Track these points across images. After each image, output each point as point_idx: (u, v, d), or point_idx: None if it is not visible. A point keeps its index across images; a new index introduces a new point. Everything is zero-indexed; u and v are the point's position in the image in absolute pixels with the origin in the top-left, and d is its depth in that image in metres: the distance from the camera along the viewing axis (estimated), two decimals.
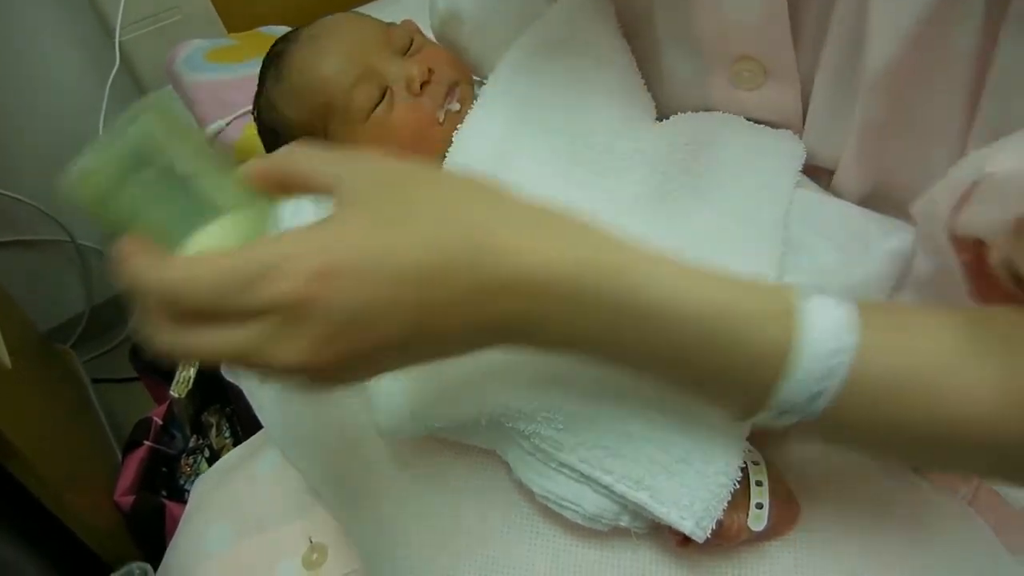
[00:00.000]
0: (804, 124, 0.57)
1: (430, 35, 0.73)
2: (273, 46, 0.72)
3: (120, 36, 1.49)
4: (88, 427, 1.61)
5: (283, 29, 1.57)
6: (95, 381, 1.82)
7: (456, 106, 0.64)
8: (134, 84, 1.64)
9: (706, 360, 0.38)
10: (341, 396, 0.60)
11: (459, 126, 0.60)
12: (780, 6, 0.50)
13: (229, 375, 0.67)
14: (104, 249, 1.92)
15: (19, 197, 1.62)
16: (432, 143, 0.62)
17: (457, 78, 0.66)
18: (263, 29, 1.57)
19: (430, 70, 0.64)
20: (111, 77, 1.45)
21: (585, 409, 0.48)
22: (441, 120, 0.64)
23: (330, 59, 0.65)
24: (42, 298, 1.88)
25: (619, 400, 0.47)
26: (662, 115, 0.63)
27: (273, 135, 0.70)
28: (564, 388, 0.48)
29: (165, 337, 0.36)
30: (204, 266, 0.35)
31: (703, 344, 0.37)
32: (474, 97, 0.66)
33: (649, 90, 0.63)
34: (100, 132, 1.42)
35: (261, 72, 0.72)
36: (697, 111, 0.60)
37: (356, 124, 0.64)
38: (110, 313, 2.00)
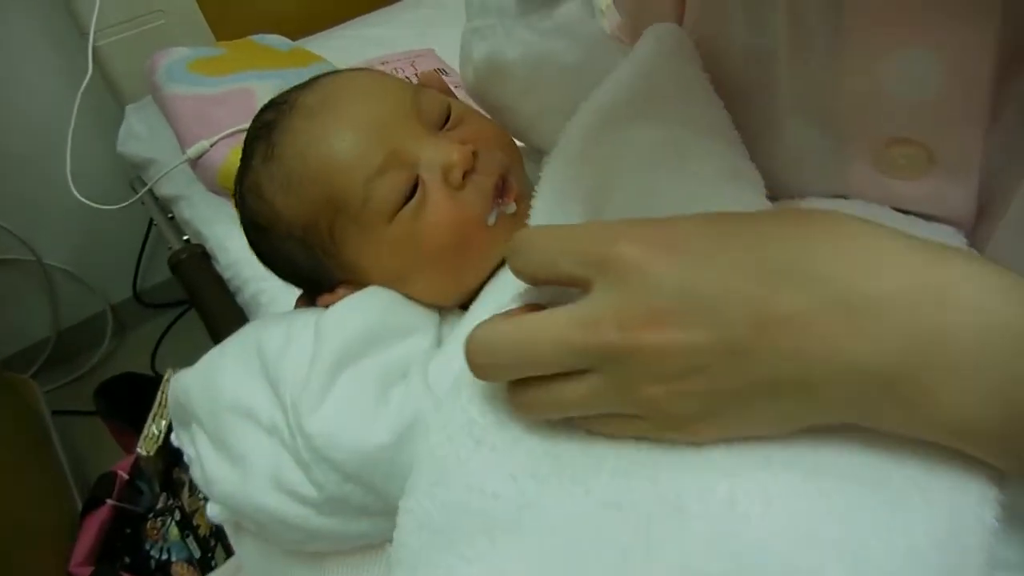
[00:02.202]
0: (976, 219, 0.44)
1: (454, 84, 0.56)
2: (262, 112, 0.51)
3: (95, 41, 1.35)
4: (44, 468, 1.46)
5: (278, 39, 1.43)
6: (56, 413, 1.67)
7: (512, 207, 0.47)
8: (109, 95, 1.49)
9: None
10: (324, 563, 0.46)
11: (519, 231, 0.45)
12: (971, 78, 0.37)
13: (175, 439, 0.51)
14: (73, 270, 1.77)
15: None
16: (479, 253, 0.46)
17: (509, 162, 0.48)
18: (255, 38, 1.44)
19: (475, 153, 0.46)
20: (83, 86, 1.30)
21: None
22: (491, 223, 0.46)
23: (342, 138, 0.46)
24: (2, 322, 1.72)
25: None
26: (773, 197, 0.49)
27: (258, 230, 0.50)
28: None
29: (533, 394, 0.35)
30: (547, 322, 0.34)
31: None
32: (530, 184, 0.48)
33: (759, 168, 0.49)
34: (69, 148, 1.27)
35: (247, 143, 0.51)
36: (822, 197, 0.47)
37: (375, 227, 0.46)
38: (78, 339, 1.86)
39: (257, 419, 0.43)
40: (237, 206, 0.52)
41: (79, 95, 1.30)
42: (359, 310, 0.45)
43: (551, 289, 0.38)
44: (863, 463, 0.34)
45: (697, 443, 0.35)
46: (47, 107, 1.47)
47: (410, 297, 0.47)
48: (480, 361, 0.35)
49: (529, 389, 0.35)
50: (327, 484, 0.40)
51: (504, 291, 0.43)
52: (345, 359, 0.42)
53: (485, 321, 0.36)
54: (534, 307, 0.38)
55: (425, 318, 0.46)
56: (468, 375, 0.39)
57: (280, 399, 0.42)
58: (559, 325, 0.33)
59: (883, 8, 0.39)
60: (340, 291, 0.48)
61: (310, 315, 0.46)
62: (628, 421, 0.35)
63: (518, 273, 0.36)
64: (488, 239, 0.46)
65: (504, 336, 0.34)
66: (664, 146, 0.46)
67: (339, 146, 0.46)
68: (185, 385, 0.47)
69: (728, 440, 0.35)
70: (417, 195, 0.45)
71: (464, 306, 0.47)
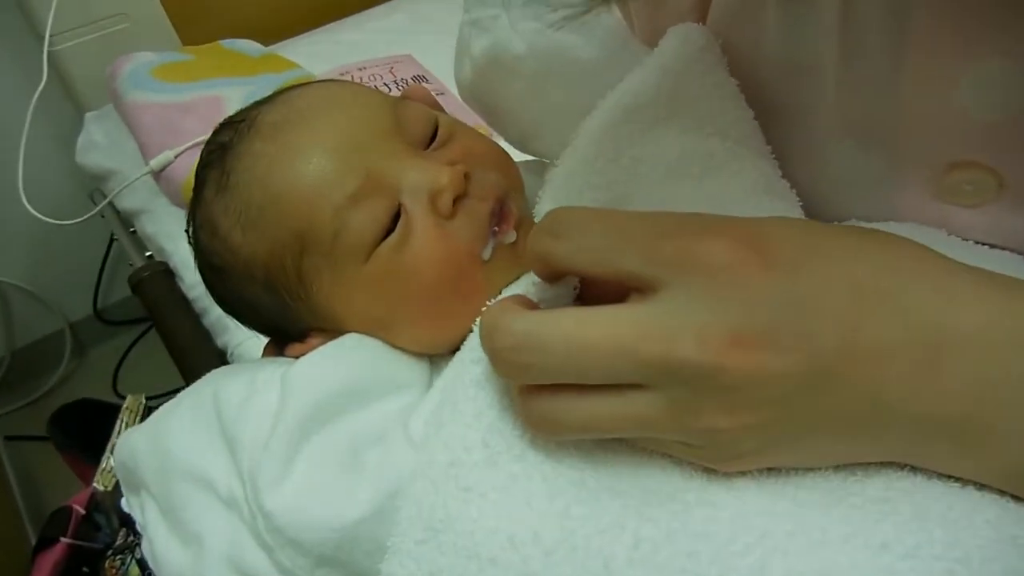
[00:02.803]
0: None
1: (446, 95, 0.50)
2: (216, 133, 0.44)
3: (51, 45, 1.27)
4: None
5: (249, 44, 1.36)
6: (9, 439, 1.58)
7: (512, 236, 0.39)
8: (66, 102, 1.41)
9: None
10: None
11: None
12: None
13: (124, 505, 0.43)
14: (28, 287, 1.67)
15: None
16: (474, 294, 0.38)
17: (506, 184, 0.41)
18: (224, 43, 1.37)
19: (466, 175, 0.39)
20: (37, 93, 1.22)
21: None
22: (487, 257, 0.39)
23: (308, 160, 0.39)
24: None
25: None
26: (811, 218, 0.44)
27: (214, 272, 0.43)
28: None
29: (567, 407, 0.30)
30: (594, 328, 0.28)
31: None
32: (531, 208, 0.42)
33: (793, 187, 0.44)
34: (21, 158, 1.19)
35: (198, 170, 0.43)
36: (866, 221, 0.42)
37: (350, 265, 0.39)
38: (33, 360, 1.76)
39: (214, 489, 0.37)
40: (190, 242, 0.45)
41: (33, 102, 1.22)
42: (333, 363, 0.38)
43: (554, 290, 0.32)
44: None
45: (728, 473, 0.31)
46: None
47: (395, 346, 0.40)
48: (526, 359, 0.29)
49: (561, 400, 0.29)
50: (295, 570, 0.34)
51: None
52: (314, 422, 0.36)
53: (521, 311, 0.30)
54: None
55: (413, 371, 0.39)
56: (447, 404, 0.33)
57: (237, 466, 0.36)
58: (622, 330, 0.28)
59: (957, 19, 0.34)
60: (312, 340, 0.41)
61: (277, 366, 0.39)
62: (668, 443, 0.30)
63: (557, 262, 0.30)
64: (484, 277, 0.39)
65: (559, 332, 0.28)
66: (690, 156, 0.41)
67: (304, 170, 0.38)
68: (132, 446, 0.40)
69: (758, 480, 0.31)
70: (399, 227, 0.38)
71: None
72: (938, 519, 0.29)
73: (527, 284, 0.33)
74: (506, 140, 0.50)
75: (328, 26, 1.58)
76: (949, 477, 0.30)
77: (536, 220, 0.36)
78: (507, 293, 0.35)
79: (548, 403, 0.30)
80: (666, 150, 0.41)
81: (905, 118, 0.38)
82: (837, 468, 0.31)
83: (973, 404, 0.27)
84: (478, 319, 0.33)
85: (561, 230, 0.30)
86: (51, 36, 1.27)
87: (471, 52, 0.46)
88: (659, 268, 0.28)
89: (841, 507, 0.30)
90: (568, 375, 0.29)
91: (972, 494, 0.30)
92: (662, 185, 0.41)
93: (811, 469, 0.31)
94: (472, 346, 0.35)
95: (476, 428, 0.33)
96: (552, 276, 0.32)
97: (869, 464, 0.31)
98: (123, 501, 0.43)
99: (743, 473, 0.31)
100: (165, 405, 0.41)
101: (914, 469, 0.31)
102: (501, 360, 0.30)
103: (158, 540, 0.38)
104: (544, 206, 0.39)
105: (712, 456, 0.30)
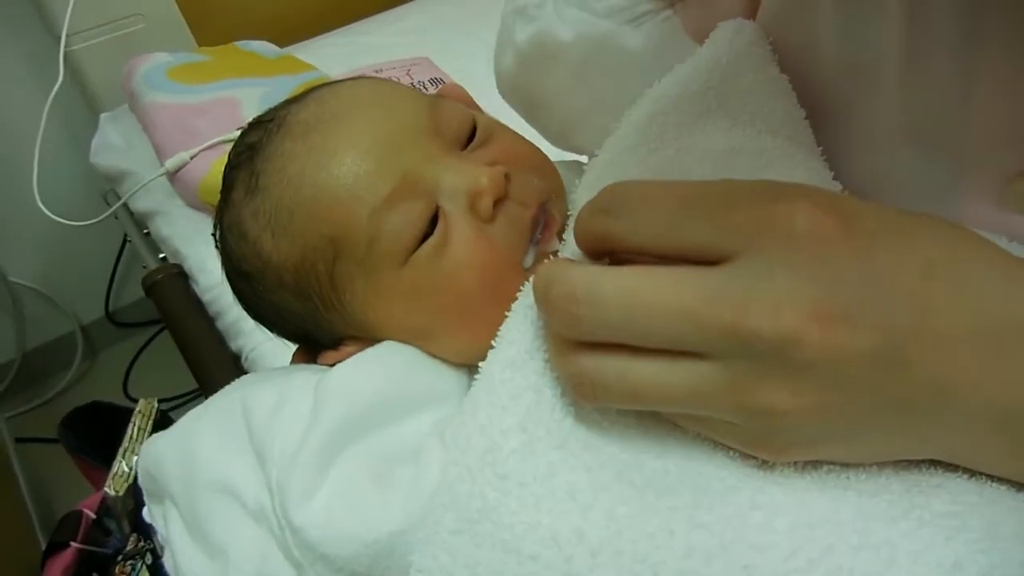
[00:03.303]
0: None
1: (484, 102, 0.48)
2: (244, 133, 0.42)
3: (67, 45, 1.26)
4: (5, 502, 1.35)
5: (264, 46, 1.35)
6: (19, 441, 1.57)
7: (555, 245, 0.38)
8: (82, 103, 1.40)
9: None
10: None
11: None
12: None
13: (147, 515, 0.42)
14: (40, 288, 1.67)
15: None
16: (513, 300, 0.36)
17: (548, 189, 0.39)
18: (240, 44, 1.36)
19: (507, 176, 0.37)
20: (53, 93, 1.21)
21: None
22: (528, 265, 0.38)
23: (341, 161, 0.37)
24: None
25: None
26: None
27: (243, 278, 0.42)
28: None
29: (617, 370, 0.27)
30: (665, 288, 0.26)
31: None
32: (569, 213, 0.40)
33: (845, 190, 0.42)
34: (36, 159, 1.18)
35: (226, 172, 0.42)
36: None
37: (385, 271, 0.37)
38: (45, 362, 1.76)
39: (242, 500, 0.35)
40: (217, 247, 0.43)
41: (48, 103, 1.21)
42: (370, 372, 0.37)
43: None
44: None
45: (784, 469, 0.29)
46: (13, 115, 1.39)
47: (433, 355, 0.38)
48: (582, 311, 0.27)
49: (611, 360, 0.27)
50: None
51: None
52: (347, 434, 0.34)
53: (577, 265, 0.28)
54: None
55: (451, 382, 0.38)
56: (482, 386, 0.32)
57: (266, 477, 0.34)
58: (690, 293, 0.26)
59: None
60: (347, 348, 0.39)
61: (310, 374, 0.37)
62: (714, 423, 0.28)
63: (617, 241, 0.28)
64: (525, 285, 0.37)
65: (620, 286, 0.27)
66: (739, 151, 0.39)
67: (338, 171, 0.37)
68: (157, 454, 0.39)
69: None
70: (437, 231, 0.37)
71: None
72: (1012, 537, 0.27)
73: (570, 255, 0.32)
74: (546, 136, 0.48)
75: (344, 28, 1.57)
76: (1018, 490, 0.28)
77: (574, 211, 0.34)
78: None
79: (596, 362, 0.28)
80: (714, 143, 0.39)
81: (974, 123, 0.36)
82: (900, 477, 0.29)
83: None
84: (527, 284, 0.32)
85: (619, 206, 0.28)
86: (67, 36, 1.27)
87: (514, 40, 0.44)
88: (733, 237, 0.26)
89: (908, 520, 0.28)
90: (623, 334, 0.27)
91: None
92: (708, 179, 0.39)
93: (871, 476, 0.29)
94: (508, 328, 0.34)
95: (513, 411, 0.31)
96: (601, 256, 0.30)
97: (933, 475, 0.29)
98: (145, 511, 0.41)
99: (800, 472, 0.29)
100: (192, 411, 0.40)
101: (979, 481, 0.29)
102: (555, 309, 0.28)
103: (182, 552, 0.36)
104: (582, 194, 0.37)
105: (761, 441, 0.28)
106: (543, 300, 0.28)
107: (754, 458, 0.30)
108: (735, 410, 0.27)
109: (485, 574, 0.29)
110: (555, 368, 0.31)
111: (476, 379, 0.34)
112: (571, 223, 0.35)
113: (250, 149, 0.40)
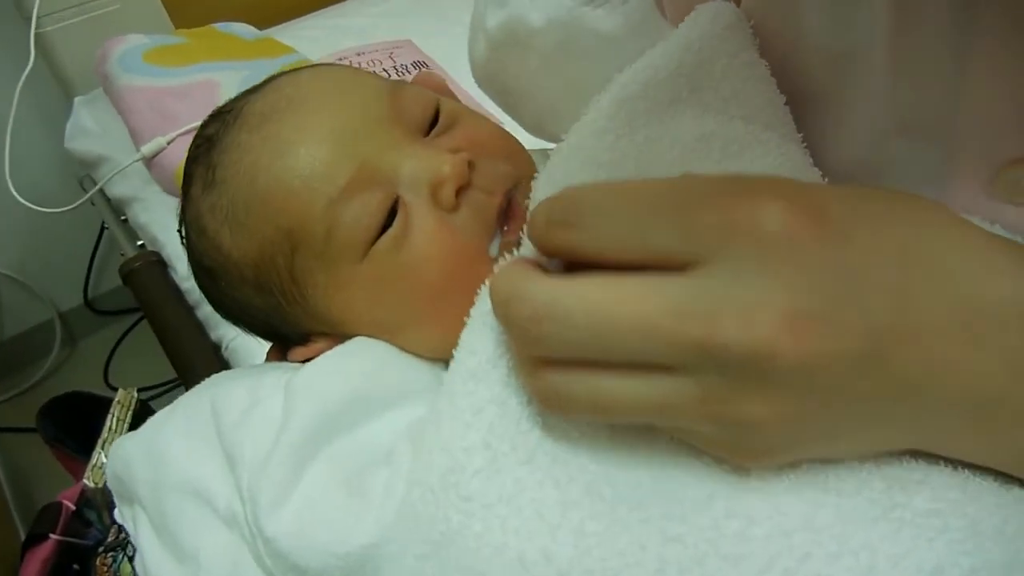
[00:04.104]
0: None
1: (467, 87, 0.46)
2: (203, 125, 0.41)
3: (38, 27, 1.23)
4: None
5: (244, 28, 1.33)
6: None
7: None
8: (55, 86, 1.37)
9: None
10: None
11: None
12: None
13: (118, 517, 0.41)
14: (16, 275, 1.64)
15: None
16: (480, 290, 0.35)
17: (516, 176, 0.38)
18: (219, 26, 1.33)
19: (470, 163, 0.36)
20: (23, 76, 1.18)
21: None
22: (495, 254, 0.36)
23: (296, 151, 0.36)
24: None
25: None
26: None
27: (206, 274, 0.41)
28: None
29: (583, 384, 0.26)
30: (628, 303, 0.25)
31: None
32: None
33: (827, 177, 0.41)
34: (7, 144, 1.15)
35: (186, 166, 0.40)
36: None
37: (344, 265, 0.36)
38: (23, 350, 1.73)
39: (213, 504, 0.34)
40: (183, 243, 0.42)
41: (19, 86, 1.18)
42: (339, 371, 0.35)
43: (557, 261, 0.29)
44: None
45: (759, 472, 0.28)
46: None
47: (405, 350, 0.37)
48: (545, 330, 0.26)
49: (577, 376, 0.26)
50: None
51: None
52: (318, 437, 0.33)
53: (540, 276, 0.27)
54: None
55: (425, 377, 0.37)
56: (444, 400, 0.30)
57: (236, 481, 0.33)
58: (653, 306, 0.25)
59: None
60: (316, 343, 0.38)
61: (282, 373, 0.36)
62: (689, 432, 0.27)
63: (577, 253, 0.27)
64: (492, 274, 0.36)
65: (583, 304, 0.26)
66: (710, 138, 0.38)
67: (293, 162, 0.36)
68: (125, 455, 0.38)
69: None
70: (397, 221, 0.36)
71: None
72: (994, 535, 0.27)
73: (529, 252, 0.30)
74: (522, 125, 0.47)
75: (325, 10, 1.54)
76: (1001, 484, 0.28)
77: (533, 200, 0.33)
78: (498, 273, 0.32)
79: (563, 378, 0.27)
80: (684, 130, 0.38)
81: (964, 111, 0.36)
82: (882, 473, 0.28)
83: (1010, 381, 0.25)
84: (484, 287, 0.31)
85: (576, 216, 0.26)
86: (39, 18, 1.23)
87: (486, 27, 0.43)
88: (699, 241, 0.25)
89: (889, 521, 0.27)
90: (589, 350, 0.26)
91: None
92: (677, 167, 0.38)
93: (852, 473, 0.28)
94: (468, 336, 0.32)
95: (476, 427, 0.30)
96: (569, 261, 0.29)
97: (915, 470, 0.29)
98: (116, 512, 0.40)
99: (778, 475, 0.28)
100: (160, 412, 0.39)
101: (962, 475, 0.28)
102: (517, 329, 0.27)
103: (151, 556, 0.35)
104: (540, 185, 0.35)
105: (738, 449, 0.27)
106: (503, 317, 0.27)
107: (729, 465, 0.29)
108: (707, 421, 0.26)
109: None
110: (521, 383, 0.30)
111: (440, 392, 0.33)
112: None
113: (208, 141, 0.39)
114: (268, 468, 0.32)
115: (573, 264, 0.28)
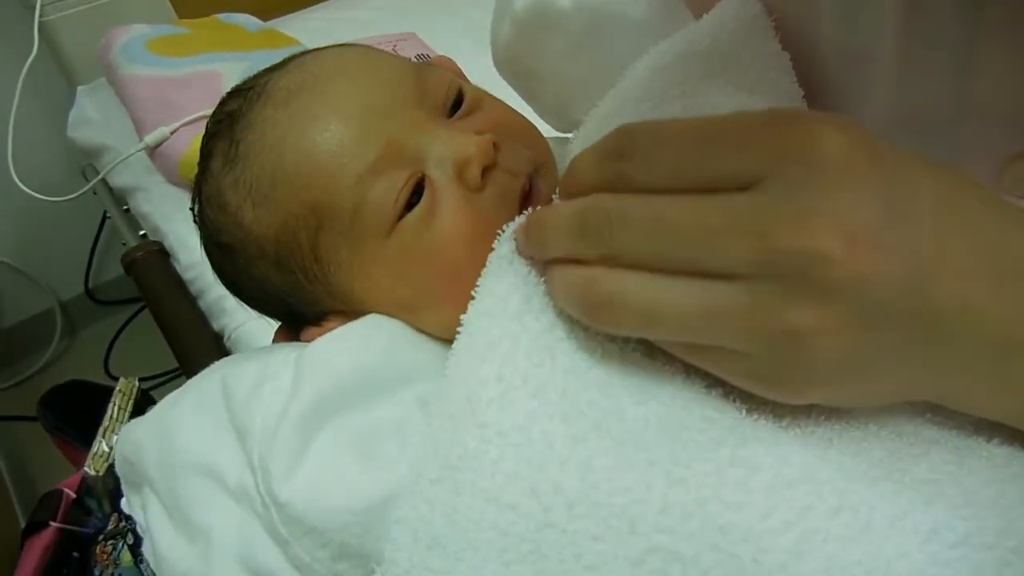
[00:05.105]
0: None
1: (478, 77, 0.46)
2: (223, 101, 0.41)
3: (42, 15, 1.23)
4: None
5: (246, 19, 1.32)
6: None
7: None
8: (58, 75, 1.37)
9: None
10: None
11: None
12: None
13: (125, 506, 0.41)
14: (17, 264, 1.64)
15: None
16: None
17: (538, 160, 0.39)
18: (221, 16, 1.33)
19: (495, 144, 0.36)
20: (27, 65, 1.18)
21: None
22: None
23: (324, 128, 0.36)
24: None
25: None
26: None
27: (222, 251, 0.41)
28: None
29: (620, 283, 0.27)
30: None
31: None
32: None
33: None
34: (10, 132, 1.15)
35: (204, 141, 0.41)
36: None
37: (370, 242, 0.36)
38: (23, 339, 1.73)
39: (223, 481, 0.34)
40: (196, 220, 0.42)
41: (23, 75, 1.18)
42: (352, 346, 0.36)
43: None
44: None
45: (769, 424, 0.29)
46: None
47: (421, 330, 0.37)
48: (614, 232, 0.27)
49: (630, 277, 0.27)
50: (314, 564, 0.32)
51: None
52: (329, 407, 0.33)
53: (606, 193, 0.28)
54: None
55: (436, 356, 0.37)
56: (462, 338, 0.31)
57: (247, 455, 0.33)
58: (713, 216, 0.26)
59: None
60: (330, 323, 0.38)
61: (291, 350, 0.36)
62: (728, 356, 0.27)
63: (631, 182, 0.27)
64: None
65: (647, 209, 0.27)
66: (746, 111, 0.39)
67: (321, 138, 0.36)
68: (135, 439, 0.38)
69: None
70: (424, 200, 0.36)
71: None
72: (989, 505, 0.27)
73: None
74: (541, 112, 0.47)
75: (329, 2, 1.54)
76: (997, 464, 0.29)
77: (570, 155, 0.34)
78: (515, 224, 0.33)
79: (616, 279, 0.27)
80: (718, 102, 0.38)
81: (970, 106, 0.36)
82: (884, 446, 0.29)
83: None
84: (505, 231, 0.33)
85: (632, 147, 0.27)
86: (42, 6, 1.23)
87: (513, 8, 0.43)
88: (757, 163, 0.25)
89: (889, 483, 0.28)
90: (648, 254, 0.27)
91: (1022, 481, 0.28)
92: None
93: (855, 441, 0.29)
94: (485, 279, 0.33)
95: (490, 360, 0.31)
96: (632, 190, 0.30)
97: (915, 444, 0.29)
98: (123, 502, 0.40)
99: (785, 428, 0.29)
100: (169, 395, 0.39)
101: (961, 453, 0.29)
102: (592, 229, 0.28)
103: (162, 539, 0.36)
104: (578, 144, 0.36)
105: (781, 374, 0.27)
106: (579, 224, 0.28)
107: (738, 411, 0.30)
108: (756, 335, 0.26)
109: (464, 523, 0.29)
110: (570, 289, 0.30)
111: (458, 333, 0.33)
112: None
113: (229, 117, 0.39)
114: (278, 436, 0.32)
115: None
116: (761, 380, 0.28)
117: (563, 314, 0.31)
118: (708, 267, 0.26)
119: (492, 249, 0.35)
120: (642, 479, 0.28)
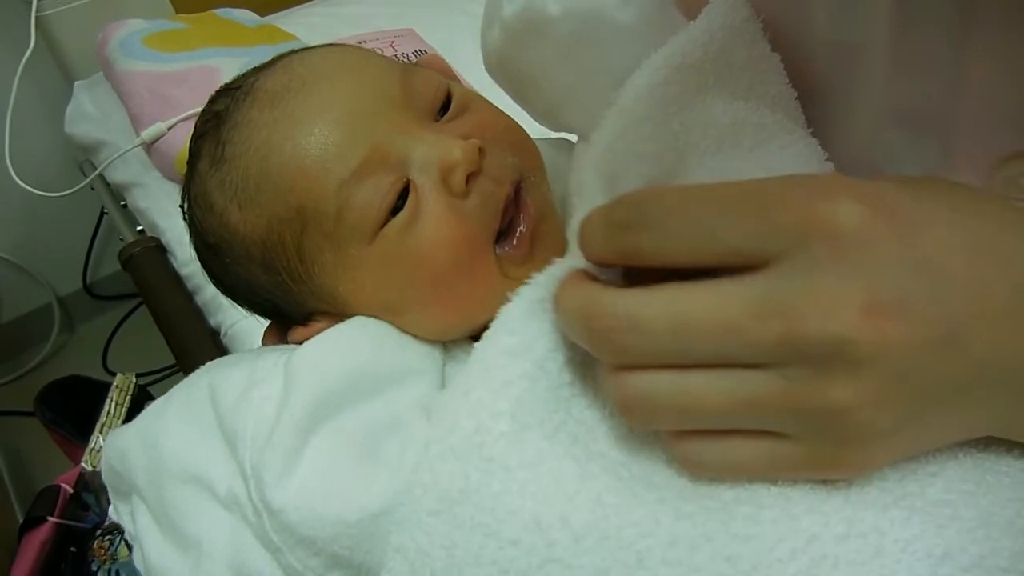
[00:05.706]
0: None
1: (469, 78, 0.46)
2: (211, 101, 0.41)
3: (39, 10, 1.23)
4: None
5: (244, 14, 1.32)
6: None
7: (522, 230, 0.38)
8: (56, 69, 1.37)
9: None
10: None
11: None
12: None
13: (112, 514, 0.41)
14: (15, 259, 1.64)
15: None
16: (486, 284, 0.36)
17: (525, 168, 0.39)
18: (219, 12, 1.33)
19: (481, 149, 0.36)
20: (24, 59, 1.18)
21: None
22: (500, 252, 0.37)
23: (309, 131, 0.36)
24: None
25: None
26: None
27: (210, 251, 0.41)
28: None
29: (652, 384, 0.27)
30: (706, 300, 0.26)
31: None
32: (550, 200, 0.40)
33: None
34: (7, 128, 1.15)
35: (193, 141, 0.41)
36: None
37: (353, 246, 0.36)
38: (21, 334, 1.73)
39: (212, 489, 0.34)
40: (185, 219, 0.42)
41: (19, 69, 1.18)
42: (340, 349, 0.36)
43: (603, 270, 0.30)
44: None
45: (836, 482, 0.28)
46: None
47: (404, 331, 0.38)
48: (629, 340, 0.26)
49: (661, 377, 0.27)
50: (306, 572, 0.32)
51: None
52: (322, 410, 0.33)
53: (615, 290, 0.27)
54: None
55: (424, 357, 0.37)
56: (476, 370, 0.31)
57: (238, 462, 0.33)
58: (732, 308, 0.25)
59: None
60: (317, 324, 0.38)
61: (279, 354, 0.36)
62: (767, 443, 0.27)
63: (646, 255, 0.27)
64: (498, 267, 0.37)
65: (662, 311, 0.26)
66: (741, 125, 0.39)
67: (306, 142, 0.36)
68: (121, 447, 0.38)
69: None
70: (408, 205, 0.36)
71: (476, 336, 0.36)
72: (1005, 526, 0.27)
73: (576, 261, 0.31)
74: (533, 115, 0.47)
75: None
76: (1016, 481, 0.28)
77: (580, 191, 0.33)
78: (553, 271, 0.32)
79: (646, 381, 0.27)
80: (716, 117, 0.38)
81: (963, 105, 0.36)
82: (896, 466, 0.29)
83: None
84: (533, 280, 0.32)
85: (643, 218, 0.27)
86: (39, 1, 1.23)
87: (502, 14, 0.43)
88: (774, 239, 0.25)
89: (899, 508, 0.28)
90: (673, 356, 0.26)
91: None
92: (714, 156, 0.38)
93: None
94: (510, 315, 0.33)
95: (505, 398, 0.31)
96: (610, 264, 0.29)
97: (930, 463, 0.29)
98: (111, 509, 0.40)
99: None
100: (155, 402, 0.39)
101: (979, 470, 0.29)
102: (599, 342, 0.27)
103: (152, 548, 0.36)
104: (589, 176, 0.35)
105: (829, 450, 0.27)
106: (584, 331, 0.28)
107: None
108: (798, 415, 0.26)
109: (462, 556, 0.29)
110: (604, 392, 0.30)
111: (469, 363, 0.33)
112: (573, 221, 0.34)
113: (216, 117, 0.39)
114: (271, 443, 0.32)
115: (629, 271, 0.29)
116: (818, 462, 0.27)
117: (582, 370, 0.31)
118: (736, 360, 0.26)
119: (476, 257, 0.35)
120: (651, 514, 0.28)
